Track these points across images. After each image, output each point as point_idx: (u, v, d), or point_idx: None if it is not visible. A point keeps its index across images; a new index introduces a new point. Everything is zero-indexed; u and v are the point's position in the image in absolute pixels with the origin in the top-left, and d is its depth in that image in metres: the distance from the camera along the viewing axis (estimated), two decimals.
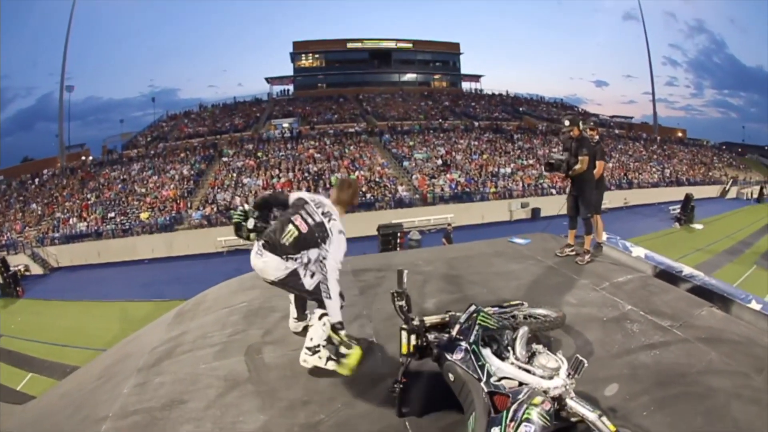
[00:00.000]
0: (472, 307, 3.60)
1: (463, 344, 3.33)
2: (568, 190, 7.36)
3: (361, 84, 61.36)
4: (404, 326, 3.49)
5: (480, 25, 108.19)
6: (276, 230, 4.09)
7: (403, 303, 3.61)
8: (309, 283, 4.11)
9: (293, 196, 4.32)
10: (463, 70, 66.63)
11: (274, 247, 4.02)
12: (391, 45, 63.95)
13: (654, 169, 43.17)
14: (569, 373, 3.18)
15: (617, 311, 5.05)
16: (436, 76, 66.53)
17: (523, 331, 3.57)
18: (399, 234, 20.02)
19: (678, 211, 29.40)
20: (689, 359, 4.14)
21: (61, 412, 4.66)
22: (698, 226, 28.07)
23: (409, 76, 65.14)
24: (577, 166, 6.69)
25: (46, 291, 23.92)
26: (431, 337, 3.58)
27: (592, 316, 4.93)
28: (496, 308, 4.11)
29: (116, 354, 5.89)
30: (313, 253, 4.08)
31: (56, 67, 52.97)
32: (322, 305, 4.08)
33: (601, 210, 7.40)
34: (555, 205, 31.23)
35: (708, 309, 5.20)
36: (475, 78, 66.02)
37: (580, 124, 6.78)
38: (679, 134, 60.23)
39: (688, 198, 29.04)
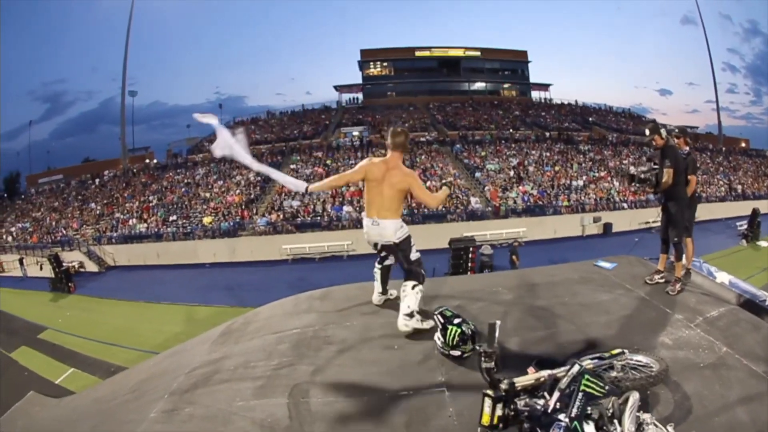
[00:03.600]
0: (576, 368, 2.99)
1: (563, 420, 2.73)
2: (660, 209, 6.45)
3: (430, 92, 61.19)
4: (489, 392, 2.88)
5: (544, 32, 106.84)
6: None
7: (492, 365, 3.05)
8: (414, 254, 5.06)
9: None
10: (532, 79, 65.70)
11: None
12: (460, 53, 63.77)
13: (721, 182, 41.02)
14: None
15: (714, 355, 4.48)
16: (506, 85, 65.67)
17: (633, 399, 3.01)
18: (471, 249, 19.23)
19: (745, 227, 27.95)
20: None
21: (89, 420, 4.64)
22: (764, 244, 26.57)
23: (479, 85, 64.57)
24: (662, 180, 5.96)
25: (99, 289, 24.13)
26: (521, 403, 2.94)
27: (689, 361, 4.35)
28: (596, 359, 3.61)
29: (154, 368, 5.60)
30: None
31: (118, 73, 54.77)
32: (412, 276, 4.94)
33: (692, 232, 6.64)
34: (627, 219, 30.80)
35: None
36: (544, 87, 64.87)
37: (663, 132, 6.05)
38: (743, 144, 57.35)
39: (755, 213, 27.57)
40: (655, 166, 6.11)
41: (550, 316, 5.39)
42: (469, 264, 18.98)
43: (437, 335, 4.35)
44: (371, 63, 63.77)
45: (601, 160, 39.66)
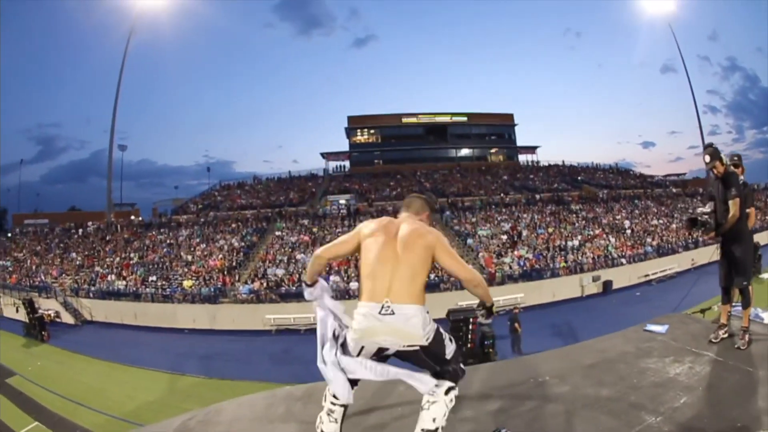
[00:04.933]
0: None
1: None
2: (719, 252, 5.58)
3: (417, 160, 61.34)
4: None
5: (528, 94, 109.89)
6: None
7: None
8: (450, 348, 3.18)
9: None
10: (518, 142, 66.62)
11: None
12: (446, 119, 64.53)
13: None
14: None
15: None
16: (493, 150, 66.13)
17: None
18: (471, 320, 17.94)
19: None
20: None
21: None
22: (766, 276, 25.73)
23: (465, 151, 64.87)
24: (729, 214, 5.12)
25: (73, 342, 23.32)
26: None
27: None
28: None
29: None
30: None
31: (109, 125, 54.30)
32: (447, 375, 3.08)
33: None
34: (626, 275, 29.86)
35: None
36: (531, 150, 65.50)
37: (723, 157, 5.25)
38: None
39: (755, 248, 26.63)
40: (709, 207, 5.42)
41: (626, 409, 4.06)
42: (470, 336, 17.55)
43: None
44: (358, 130, 64.27)
45: (594, 217, 39.03)
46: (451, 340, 3.19)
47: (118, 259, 33.03)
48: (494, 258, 30.90)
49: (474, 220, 37.90)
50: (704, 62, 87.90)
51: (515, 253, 31.53)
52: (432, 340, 3.04)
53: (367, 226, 3.29)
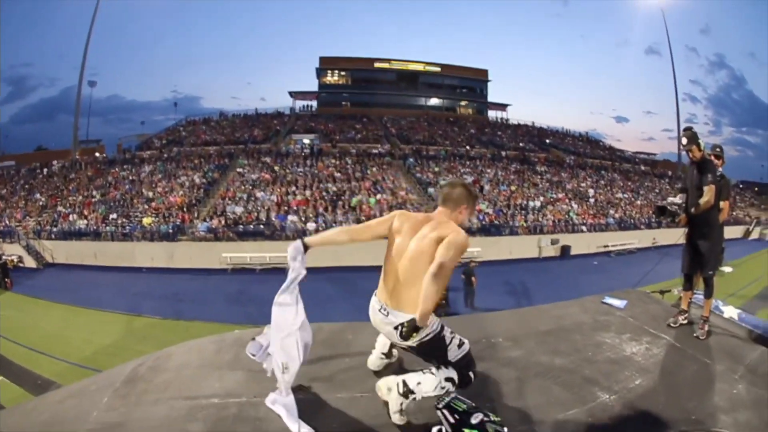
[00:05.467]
0: None
1: None
2: (685, 237, 5.57)
3: (386, 105, 60.43)
4: None
5: (505, 53, 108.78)
6: None
7: None
8: (455, 353, 3.18)
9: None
10: (490, 99, 66.01)
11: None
12: (419, 68, 63.48)
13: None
14: None
15: None
16: (463, 103, 65.56)
17: None
18: None
19: None
20: None
21: None
22: (728, 269, 26.26)
23: (435, 101, 64.10)
24: (702, 200, 5.07)
25: (35, 287, 22.42)
26: None
27: (753, 426, 3.46)
28: None
29: (58, 406, 3.83)
30: None
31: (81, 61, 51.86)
32: (453, 367, 3.17)
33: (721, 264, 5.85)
34: (585, 242, 30.19)
35: None
36: (502, 107, 65.03)
37: (701, 143, 5.20)
38: None
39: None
40: (681, 198, 5.45)
41: (580, 383, 4.00)
42: None
43: None
44: (329, 71, 62.93)
45: (558, 182, 39.41)
46: (459, 345, 3.20)
47: (80, 197, 32.09)
48: None
49: (437, 169, 37.96)
50: (692, 53, 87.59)
51: (476, 207, 31.44)
52: (423, 344, 3.09)
53: (398, 220, 3.37)
